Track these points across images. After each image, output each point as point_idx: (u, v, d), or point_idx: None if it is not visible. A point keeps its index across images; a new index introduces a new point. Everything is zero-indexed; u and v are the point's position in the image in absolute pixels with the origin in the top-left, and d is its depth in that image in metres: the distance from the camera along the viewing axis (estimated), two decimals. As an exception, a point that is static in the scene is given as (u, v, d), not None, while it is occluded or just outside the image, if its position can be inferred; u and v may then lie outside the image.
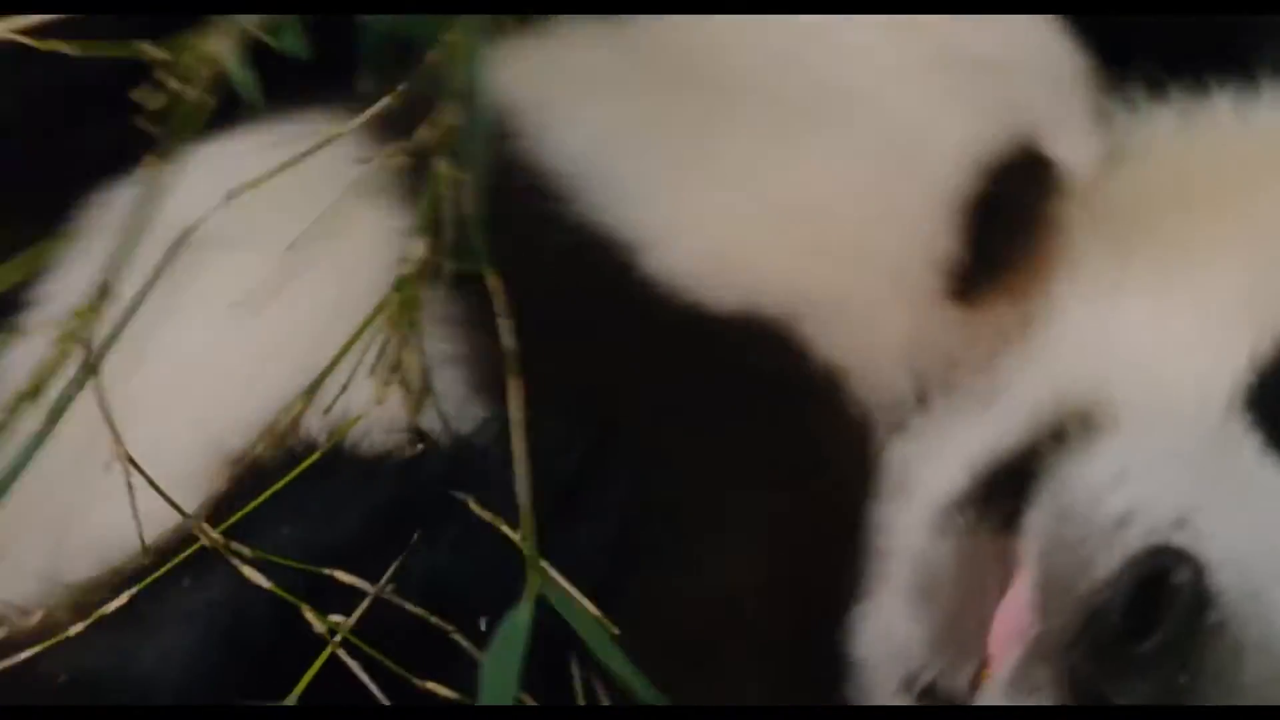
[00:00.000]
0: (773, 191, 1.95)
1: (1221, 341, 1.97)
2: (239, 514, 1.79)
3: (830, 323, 1.96)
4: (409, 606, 1.76)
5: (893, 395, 1.99)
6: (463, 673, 1.76)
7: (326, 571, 1.76)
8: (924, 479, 1.95)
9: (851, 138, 1.96)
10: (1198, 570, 1.81)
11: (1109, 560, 1.83)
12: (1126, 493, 1.86)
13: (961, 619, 1.88)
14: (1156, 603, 1.80)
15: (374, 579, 1.77)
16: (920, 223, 1.97)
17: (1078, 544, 1.85)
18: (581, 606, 1.77)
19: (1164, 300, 2.00)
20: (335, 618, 1.75)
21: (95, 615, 1.77)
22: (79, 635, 1.77)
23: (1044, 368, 2.00)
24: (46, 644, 1.77)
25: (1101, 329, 1.99)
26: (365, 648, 1.74)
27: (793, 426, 1.94)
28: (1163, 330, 1.98)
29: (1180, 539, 1.83)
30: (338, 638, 1.74)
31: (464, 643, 1.76)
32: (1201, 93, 2.06)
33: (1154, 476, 1.87)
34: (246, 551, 1.76)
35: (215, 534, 1.77)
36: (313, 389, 1.83)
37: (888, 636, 1.91)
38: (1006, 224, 1.99)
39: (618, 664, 1.77)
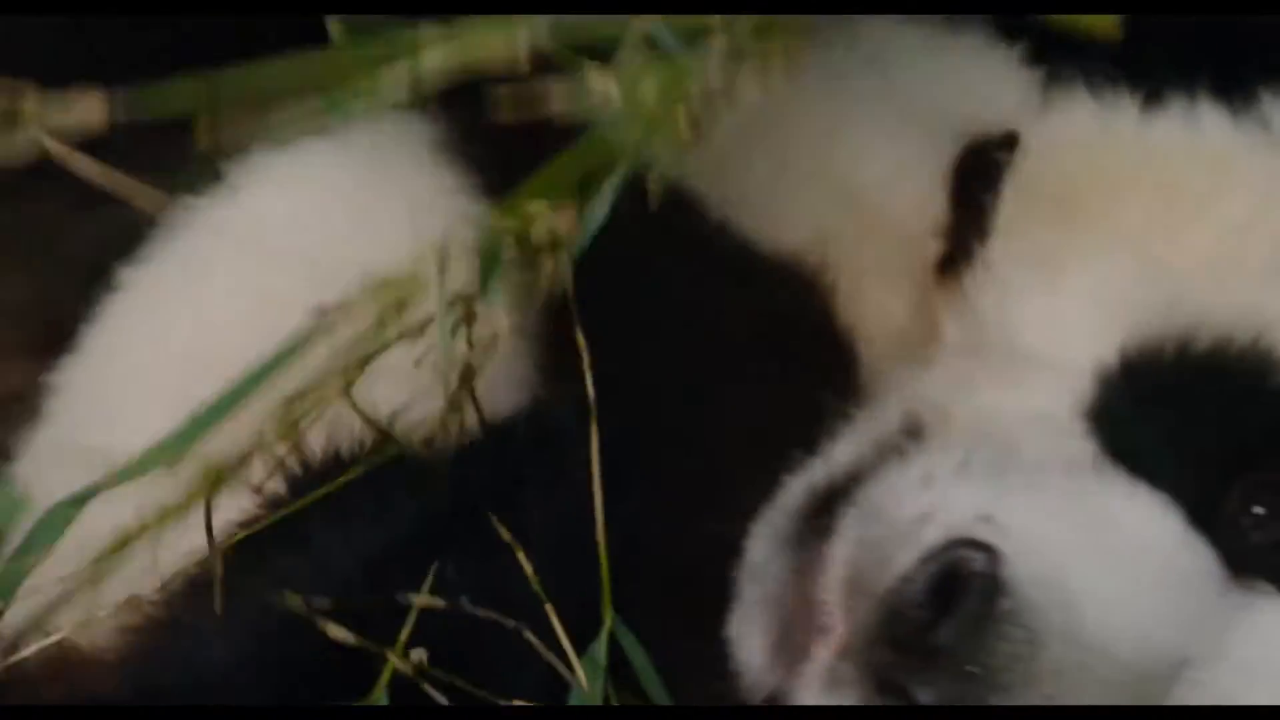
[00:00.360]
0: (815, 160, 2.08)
1: (1069, 351, 1.98)
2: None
3: (849, 284, 2.07)
4: (477, 612, 1.81)
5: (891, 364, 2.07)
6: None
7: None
8: (786, 491, 1.99)
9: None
10: (992, 559, 1.81)
11: (907, 555, 1.83)
12: (931, 494, 1.87)
13: (793, 628, 1.90)
14: (952, 593, 1.80)
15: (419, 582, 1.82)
16: (929, 192, 2.08)
17: (880, 543, 1.86)
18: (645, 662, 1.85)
19: (1018, 310, 2.02)
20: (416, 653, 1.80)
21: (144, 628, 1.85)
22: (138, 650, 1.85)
23: (905, 378, 2.04)
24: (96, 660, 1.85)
25: (960, 339, 2.03)
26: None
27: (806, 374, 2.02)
28: (1015, 340, 2.00)
29: (979, 532, 1.83)
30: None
31: (538, 646, 1.82)
32: (1111, 98, 2.09)
33: (963, 479, 1.88)
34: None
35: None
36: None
37: (737, 646, 1.94)
38: (978, 200, 2.08)
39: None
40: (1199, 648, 1.85)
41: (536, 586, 1.81)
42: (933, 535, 1.83)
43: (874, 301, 2.09)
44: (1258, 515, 1.90)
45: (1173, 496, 1.90)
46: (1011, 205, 2.07)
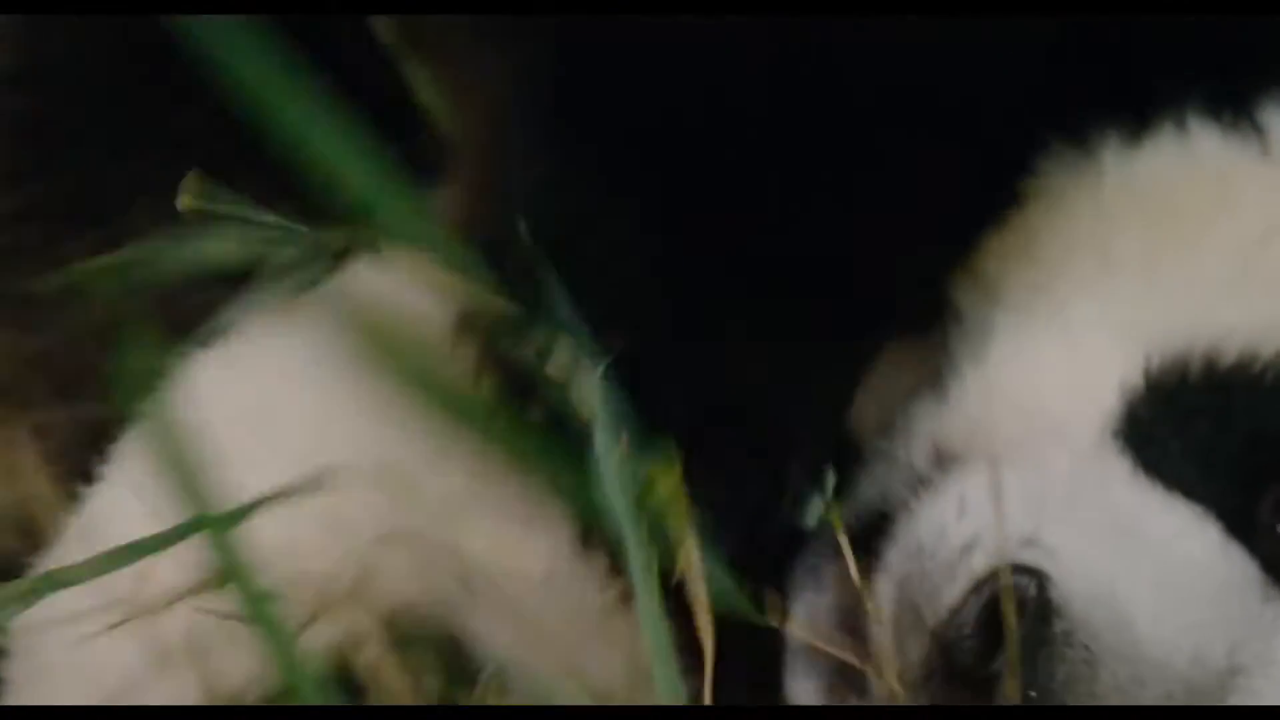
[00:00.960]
0: None
1: (1091, 374, 1.98)
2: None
3: None
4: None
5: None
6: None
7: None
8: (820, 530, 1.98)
9: None
10: (1041, 582, 1.81)
11: (955, 587, 1.84)
12: (970, 522, 1.88)
13: (845, 666, 1.91)
14: (1005, 621, 1.80)
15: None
16: None
17: (926, 576, 1.86)
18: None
19: (1034, 338, 2.02)
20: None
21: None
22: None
23: (926, 411, 2.03)
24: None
25: (977, 369, 2.03)
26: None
27: None
28: (1033, 367, 2.00)
29: (1024, 557, 1.84)
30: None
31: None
32: (1089, 137, 2.09)
33: (1000, 504, 1.86)
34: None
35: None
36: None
37: (790, 687, 1.94)
38: None
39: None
40: (1247, 655, 1.86)
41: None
42: (978, 564, 1.84)
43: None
44: None
45: (1207, 508, 1.91)
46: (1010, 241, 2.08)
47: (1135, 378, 1.96)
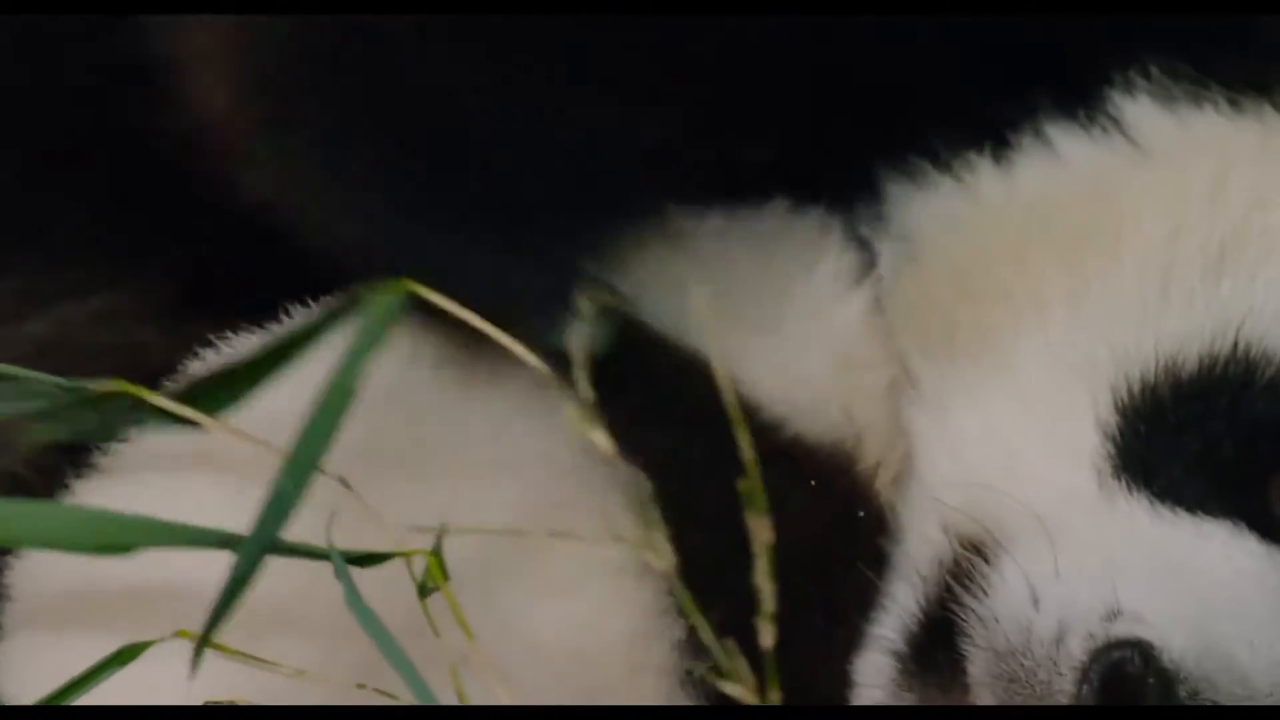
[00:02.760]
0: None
1: (1062, 422, 1.95)
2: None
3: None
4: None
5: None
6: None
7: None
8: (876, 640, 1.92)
9: None
10: (1147, 654, 1.79)
11: (1064, 683, 1.80)
12: (1048, 607, 1.83)
13: None
14: (1129, 703, 1.78)
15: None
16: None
17: (1029, 679, 1.82)
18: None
19: (992, 402, 1.97)
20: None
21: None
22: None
23: (921, 508, 1.97)
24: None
25: (950, 451, 1.97)
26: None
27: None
28: (1004, 433, 1.96)
29: (1119, 630, 1.81)
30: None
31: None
32: (955, 172, 2.04)
33: (1066, 580, 1.84)
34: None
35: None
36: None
37: None
38: None
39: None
40: None
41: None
42: (1078, 651, 1.81)
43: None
44: None
45: (1234, 520, 1.90)
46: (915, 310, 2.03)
47: (1108, 413, 1.93)
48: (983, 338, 1.98)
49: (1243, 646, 1.83)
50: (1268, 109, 2.01)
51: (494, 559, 1.75)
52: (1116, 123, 2.02)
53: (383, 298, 1.45)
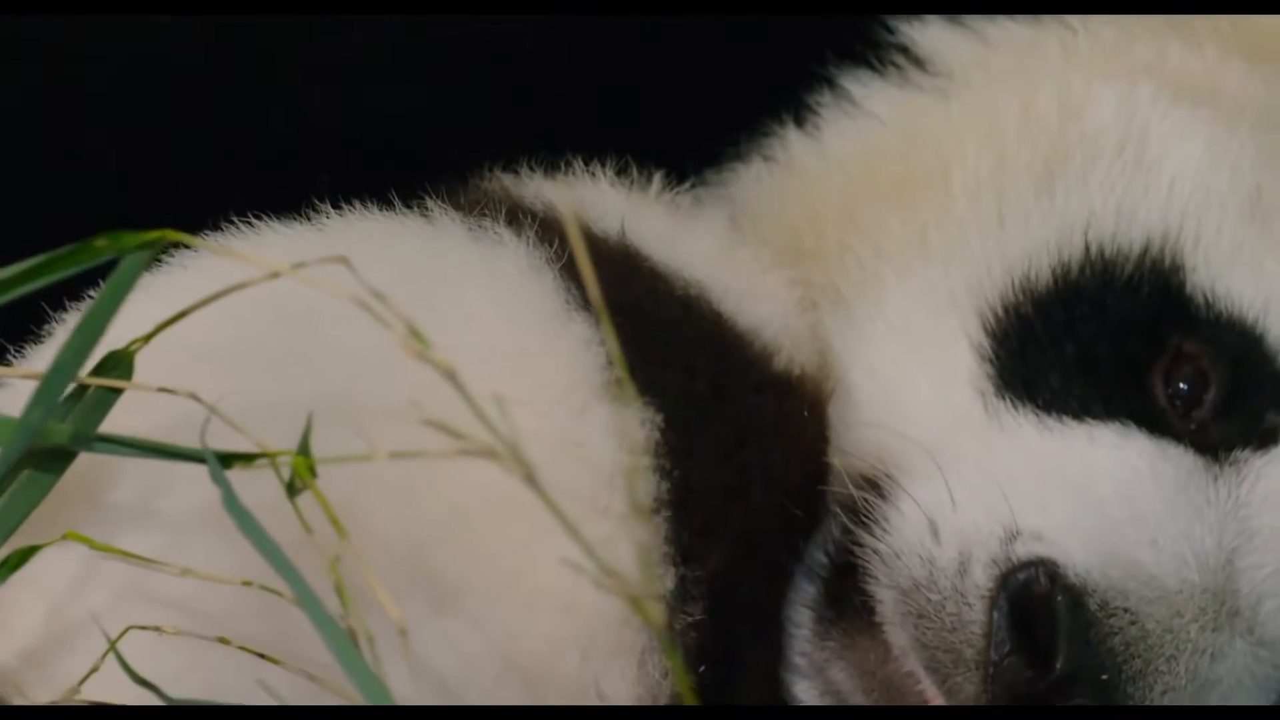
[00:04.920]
0: None
1: (938, 354, 1.93)
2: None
3: None
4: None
5: None
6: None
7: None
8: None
9: None
10: (1052, 572, 1.76)
11: (974, 613, 1.77)
12: (947, 538, 1.80)
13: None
14: (1041, 624, 1.75)
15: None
16: None
17: (938, 613, 1.78)
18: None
19: (866, 349, 1.95)
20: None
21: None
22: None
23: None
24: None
25: (848, 388, 1.94)
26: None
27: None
28: (884, 375, 1.94)
29: (1020, 552, 1.78)
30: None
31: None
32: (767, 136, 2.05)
33: (963, 509, 1.81)
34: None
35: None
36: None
37: None
38: None
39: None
40: (1231, 536, 1.84)
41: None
42: (981, 578, 1.78)
43: None
44: (1184, 391, 1.90)
45: (1121, 420, 1.88)
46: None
47: (979, 337, 1.92)
48: (837, 294, 1.97)
49: (1146, 548, 1.80)
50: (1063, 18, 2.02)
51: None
52: (912, 57, 2.04)
53: (139, 243, 1.46)
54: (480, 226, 1.80)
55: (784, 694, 1.84)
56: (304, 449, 1.44)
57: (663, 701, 1.71)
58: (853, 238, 1.98)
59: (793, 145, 2.04)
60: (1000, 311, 1.92)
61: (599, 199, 1.91)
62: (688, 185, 2.01)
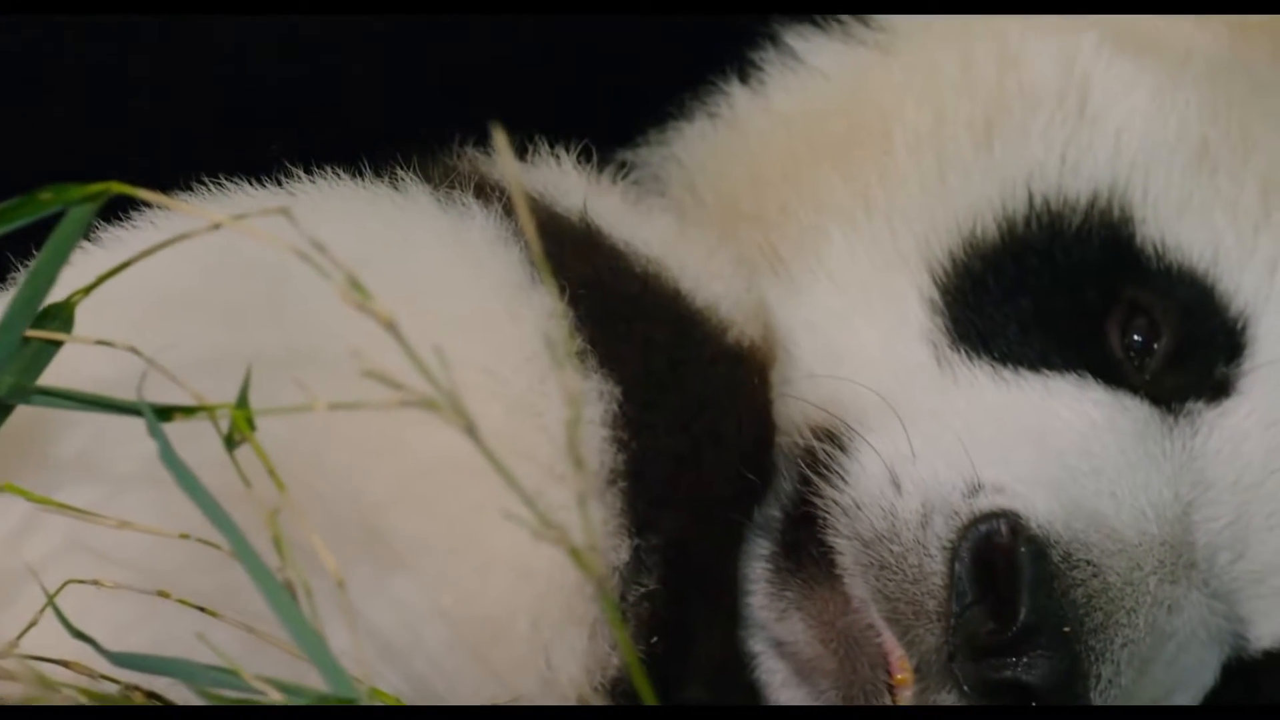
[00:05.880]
0: None
1: (889, 309, 1.91)
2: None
3: None
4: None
5: None
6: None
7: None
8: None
9: None
10: (1014, 523, 1.73)
11: (935, 564, 1.74)
12: (909, 489, 1.78)
13: (847, 675, 1.79)
14: (1003, 576, 1.72)
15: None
16: None
17: (899, 564, 1.76)
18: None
19: (815, 309, 1.93)
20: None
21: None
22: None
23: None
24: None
25: (789, 354, 1.92)
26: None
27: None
28: (835, 332, 1.92)
29: (982, 504, 1.75)
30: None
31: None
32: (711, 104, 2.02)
33: (924, 460, 1.79)
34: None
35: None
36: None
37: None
38: None
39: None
40: (1186, 487, 1.83)
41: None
42: (943, 530, 1.76)
43: None
44: (1138, 343, 1.88)
45: (1078, 371, 1.86)
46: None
47: (931, 292, 1.90)
48: (776, 256, 1.95)
49: (1106, 500, 1.78)
50: None
51: None
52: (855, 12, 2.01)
53: (83, 195, 1.45)
54: (449, 198, 1.79)
55: (740, 661, 1.82)
56: (242, 401, 1.42)
57: (611, 674, 1.69)
58: (794, 200, 1.96)
59: (737, 102, 2.02)
60: (949, 265, 1.89)
61: (562, 180, 1.90)
62: (634, 146, 2.00)
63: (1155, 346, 1.88)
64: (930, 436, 1.81)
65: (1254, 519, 1.84)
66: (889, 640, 1.77)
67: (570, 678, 1.69)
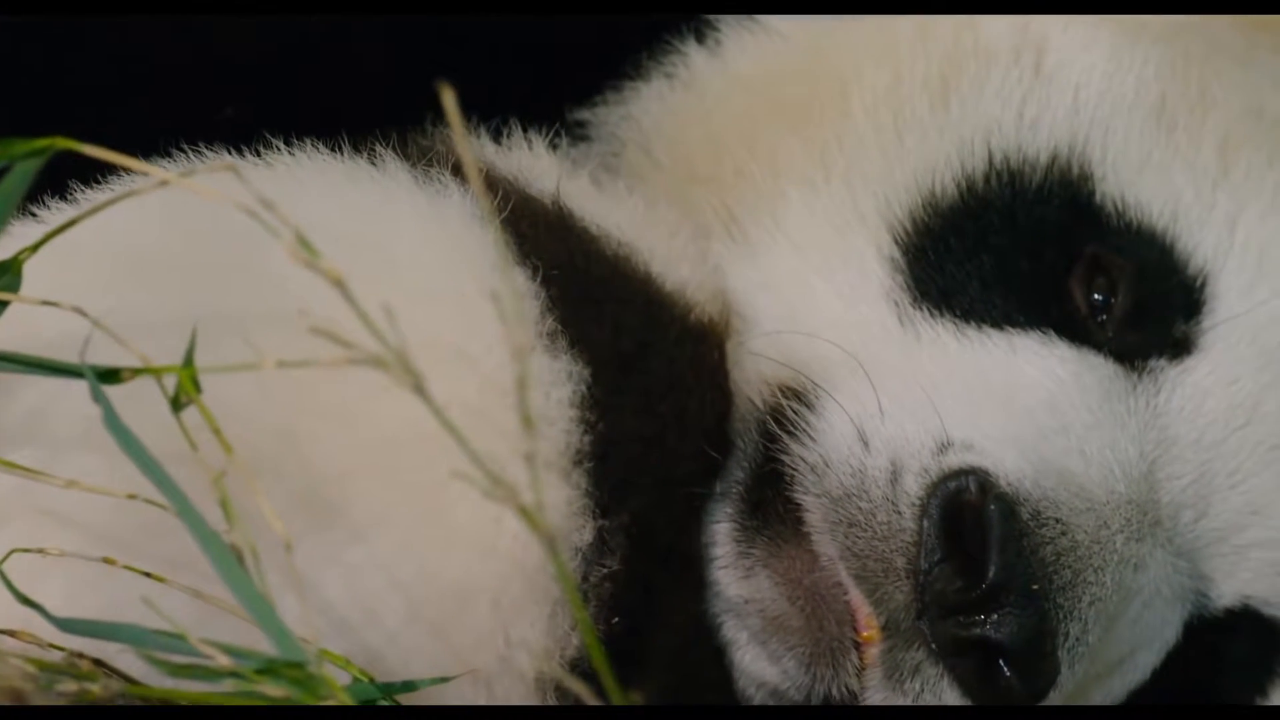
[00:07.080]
0: None
1: (848, 268, 1.89)
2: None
3: None
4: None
5: None
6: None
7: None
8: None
9: None
10: (983, 481, 1.71)
11: (904, 521, 1.72)
12: (878, 447, 1.75)
13: (814, 632, 1.77)
14: (972, 533, 1.70)
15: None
16: None
17: (868, 521, 1.74)
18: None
19: (775, 271, 1.90)
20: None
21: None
22: None
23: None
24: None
25: (749, 315, 1.90)
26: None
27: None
28: (795, 293, 1.89)
29: (951, 461, 1.73)
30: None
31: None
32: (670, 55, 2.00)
33: (892, 418, 1.77)
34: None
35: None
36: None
37: (761, 684, 1.79)
38: None
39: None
40: (1150, 445, 1.82)
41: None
42: (912, 487, 1.73)
43: None
44: (1100, 302, 1.86)
45: (1041, 329, 1.84)
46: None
47: (891, 251, 1.88)
48: (732, 219, 1.92)
49: (1075, 457, 1.76)
50: None
51: None
52: None
53: (28, 150, 1.41)
54: (427, 175, 1.77)
55: (702, 638, 1.80)
56: (188, 361, 1.38)
57: (570, 654, 1.67)
58: (750, 163, 1.93)
59: (694, 63, 1.99)
60: (909, 225, 1.87)
61: (535, 163, 1.88)
62: (591, 106, 1.97)
63: (1113, 304, 1.85)
64: (897, 394, 1.78)
65: (1216, 477, 1.82)
66: (856, 598, 1.74)
67: (529, 656, 1.67)
